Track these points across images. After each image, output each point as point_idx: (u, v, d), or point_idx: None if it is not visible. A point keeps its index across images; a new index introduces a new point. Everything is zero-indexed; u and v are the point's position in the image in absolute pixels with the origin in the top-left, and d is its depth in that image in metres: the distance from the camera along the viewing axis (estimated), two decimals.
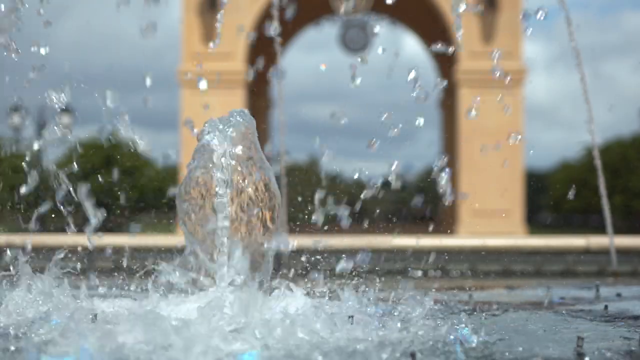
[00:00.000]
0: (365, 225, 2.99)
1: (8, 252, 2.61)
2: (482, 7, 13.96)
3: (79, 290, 2.54)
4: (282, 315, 2.12)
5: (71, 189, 2.63)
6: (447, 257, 4.45)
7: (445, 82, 2.74)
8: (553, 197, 38.36)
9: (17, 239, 3.07)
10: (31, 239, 2.79)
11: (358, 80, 2.72)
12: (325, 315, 2.14)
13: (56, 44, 2.70)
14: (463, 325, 2.18)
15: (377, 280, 2.78)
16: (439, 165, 2.59)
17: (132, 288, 2.72)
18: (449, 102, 18.58)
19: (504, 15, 15.60)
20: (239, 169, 2.50)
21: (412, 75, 2.62)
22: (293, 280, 2.57)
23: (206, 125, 2.53)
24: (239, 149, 2.49)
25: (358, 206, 2.63)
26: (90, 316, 2.12)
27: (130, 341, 1.85)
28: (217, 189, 2.45)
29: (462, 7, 2.80)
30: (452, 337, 2.13)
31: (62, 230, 2.90)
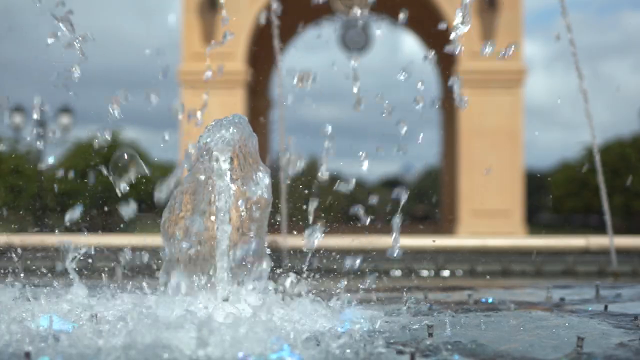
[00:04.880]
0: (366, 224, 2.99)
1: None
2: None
3: None
4: None
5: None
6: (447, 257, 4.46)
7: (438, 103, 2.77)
8: (553, 197, 38.35)
9: (16, 239, 3.06)
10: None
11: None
12: None
13: (56, 43, 2.70)
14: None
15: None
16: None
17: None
18: (448, 102, 18.58)
19: (504, 15, 15.59)
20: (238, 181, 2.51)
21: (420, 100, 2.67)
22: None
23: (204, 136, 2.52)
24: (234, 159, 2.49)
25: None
26: None
27: None
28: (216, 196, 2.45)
29: (464, 29, 2.83)
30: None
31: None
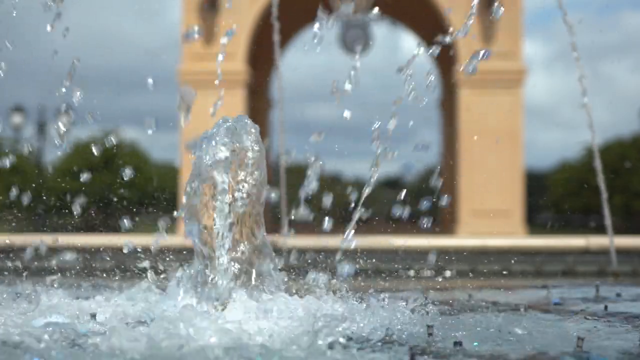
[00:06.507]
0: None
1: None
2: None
3: None
4: None
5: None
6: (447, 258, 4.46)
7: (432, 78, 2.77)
8: (553, 197, 38.32)
9: (17, 239, 3.06)
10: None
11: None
12: None
13: (54, 43, 2.70)
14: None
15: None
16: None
17: None
18: (449, 102, 18.58)
19: (504, 16, 15.59)
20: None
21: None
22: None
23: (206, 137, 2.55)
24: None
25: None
26: None
27: None
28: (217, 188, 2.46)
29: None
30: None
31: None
